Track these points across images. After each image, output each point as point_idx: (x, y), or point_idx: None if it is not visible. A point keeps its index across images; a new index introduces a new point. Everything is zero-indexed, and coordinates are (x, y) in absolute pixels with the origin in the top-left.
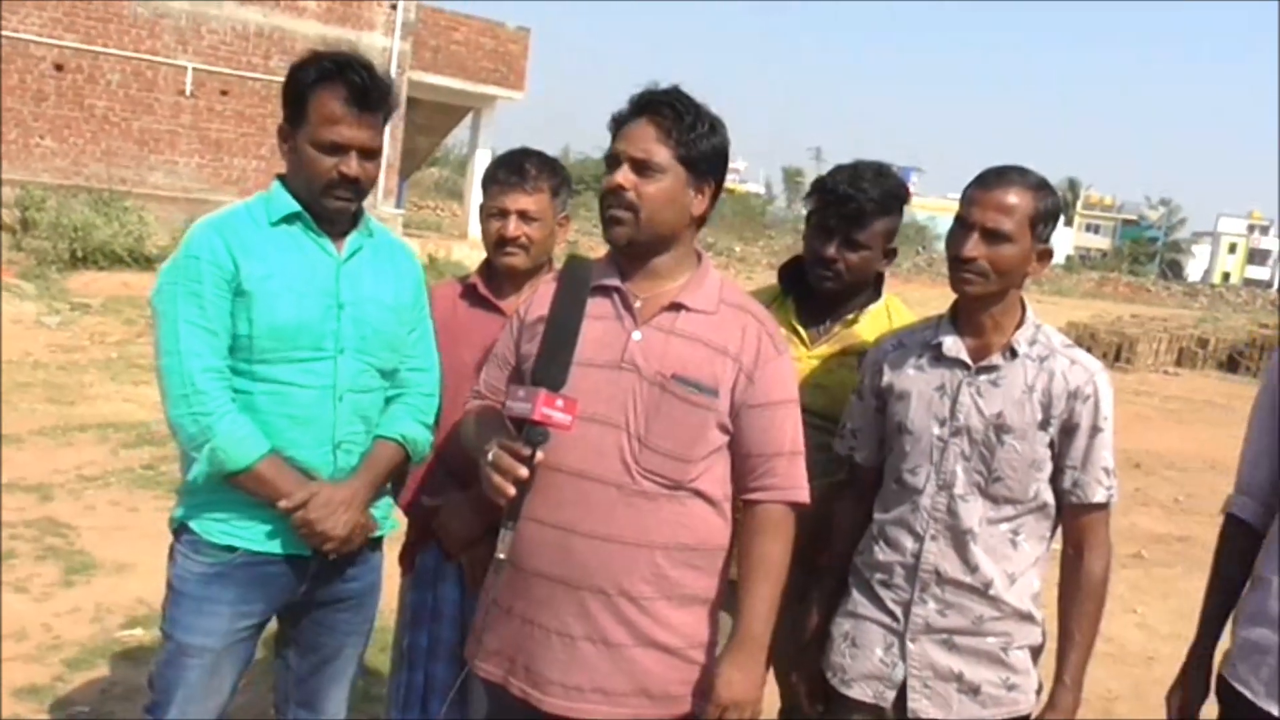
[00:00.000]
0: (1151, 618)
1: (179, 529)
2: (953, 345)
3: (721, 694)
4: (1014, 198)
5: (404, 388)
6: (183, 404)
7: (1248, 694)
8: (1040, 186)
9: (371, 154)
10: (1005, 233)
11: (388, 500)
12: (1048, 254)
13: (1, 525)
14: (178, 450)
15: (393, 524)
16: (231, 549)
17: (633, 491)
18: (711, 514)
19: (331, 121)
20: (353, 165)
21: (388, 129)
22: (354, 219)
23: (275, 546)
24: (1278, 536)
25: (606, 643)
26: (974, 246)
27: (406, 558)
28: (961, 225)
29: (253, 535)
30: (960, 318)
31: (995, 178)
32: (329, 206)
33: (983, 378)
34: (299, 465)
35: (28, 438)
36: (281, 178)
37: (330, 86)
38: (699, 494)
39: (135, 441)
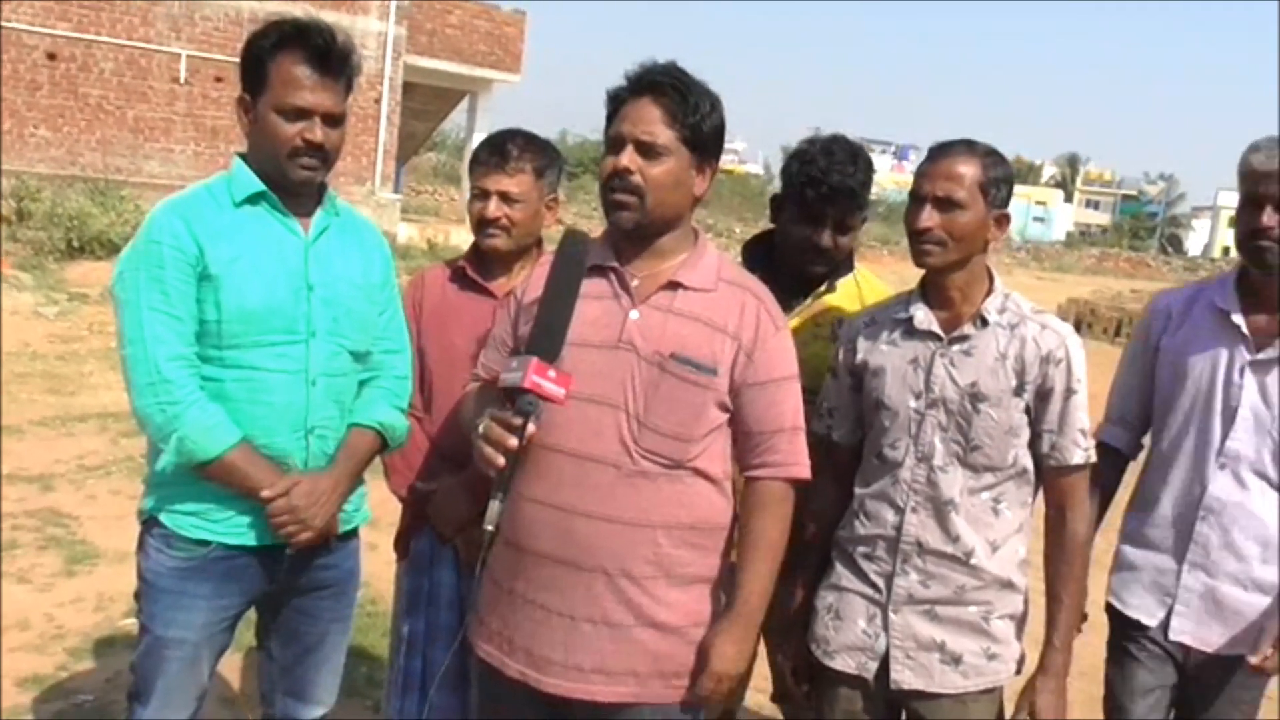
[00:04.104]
0: None
1: (148, 521)
2: (924, 318)
3: (715, 666)
4: (962, 166)
5: (377, 370)
6: (149, 393)
7: (1119, 606)
8: (989, 154)
9: (335, 120)
10: (957, 200)
11: (362, 491)
12: (1005, 219)
13: (3, 516)
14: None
15: (365, 515)
16: (205, 543)
17: (632, 471)
18: (712, 492)
19: (294, 85)
20: (317, 131)
21: (383, 113)
22: (318, 197)
23: (250, 539)
24: (1168, 461)
25: (608, 623)
26: (928, 217)
27: (401, 543)
28: (915, 199)
29: (226, 529)
30: (929, 291)
31: (942, 151)
32: (294, 176)
33: (955, 348)
34: (272, 453)
35: (28, 428)
36: (242, 156)
37: (291, 50)
38: (699, 473)
39: (135, 430)
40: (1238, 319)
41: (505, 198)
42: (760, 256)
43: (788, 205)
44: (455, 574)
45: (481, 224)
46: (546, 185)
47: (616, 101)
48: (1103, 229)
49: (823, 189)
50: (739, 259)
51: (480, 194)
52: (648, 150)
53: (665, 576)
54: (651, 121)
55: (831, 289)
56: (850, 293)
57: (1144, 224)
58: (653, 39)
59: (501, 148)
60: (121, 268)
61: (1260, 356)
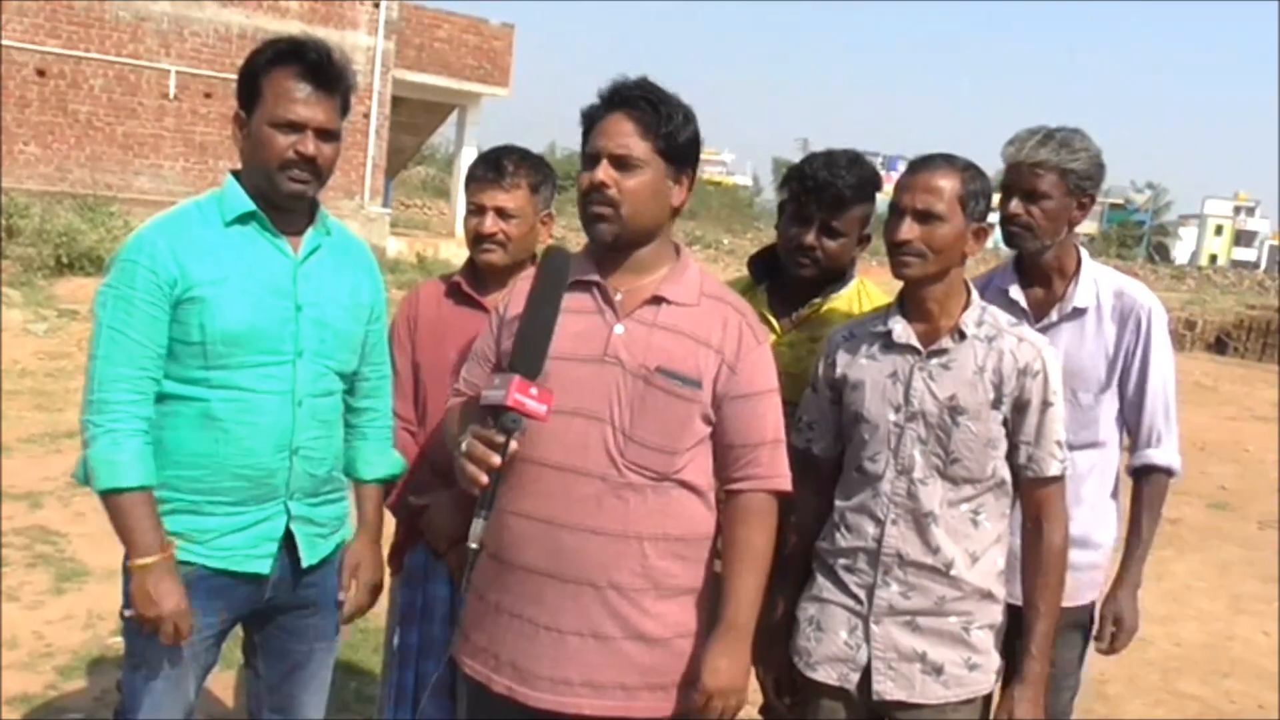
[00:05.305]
0: (1145, 600)
1: None
2: (902, 332)
3: (708, 682)
4: (941, 180)
5: (372, 398)
6: (85, 409)
7: None
8: (967, 168)
9: (329, 136)
10: (937, 213)
11: (345, 509)
12: (984, 232)
13: None
14: None
15: (347, 532)
16: (188, 564)
17: (619, 484)
18: (697, 504)
19: (287, 99)
20: (309, 144)
21: (371, 128)
22: (310, 216)
23: (232, 565)
24: None
25: (596, 636)
26: (908, 229)
27: (395, 557)
28: (895, 211)
29: (209, 551)
30: (907, 304)
31: (923, 164)
32: (284, 189)
33: (933, 361)
34: (256, 472)
35: (16, 446)
36: (236, 174)
37: (286, 65)
38: (684, 485)
39: None
40: (1016, 295)
41: (501, 213)
42: (764, 268)
43: (785, 208)
44: (449, 588)
45: (478, 239)
46: (541, 201)
47: (591, 119)
48: (1090, 238)
49: (808, 183)
50: (726, 271)
51: (477, 209)
52: (622, 163)
53: (654, 589)
54: (625, 135)
55: (827, 300)
56: (851, 305)
57: (1131, 232)
58: (641, 54)
59: (497, 164)
60: (102, 284)
61: (1038, 325)
